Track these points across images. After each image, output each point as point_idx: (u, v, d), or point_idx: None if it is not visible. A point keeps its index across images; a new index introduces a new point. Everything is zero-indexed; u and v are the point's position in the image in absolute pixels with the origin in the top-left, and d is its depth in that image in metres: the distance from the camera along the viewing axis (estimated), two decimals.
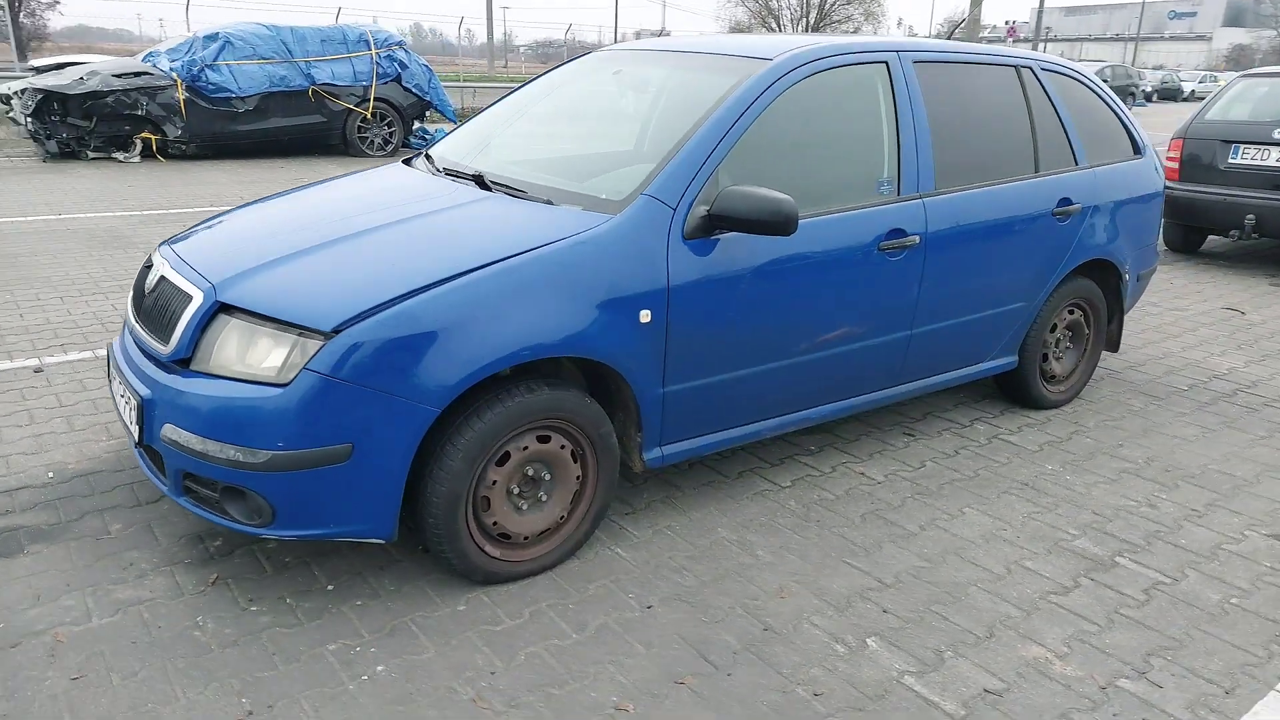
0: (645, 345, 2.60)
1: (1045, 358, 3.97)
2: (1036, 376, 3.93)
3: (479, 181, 2.97)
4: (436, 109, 12.77)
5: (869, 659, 2.32)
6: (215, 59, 10.82)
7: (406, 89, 12.33)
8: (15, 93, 11.23)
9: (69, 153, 10.66)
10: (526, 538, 2.59)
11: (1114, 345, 4.27)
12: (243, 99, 10.96)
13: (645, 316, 2.58)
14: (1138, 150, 4.12)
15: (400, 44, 12.33)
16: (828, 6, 46.95)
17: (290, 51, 11.31)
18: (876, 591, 2.61)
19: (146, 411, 2.38)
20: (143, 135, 10.70)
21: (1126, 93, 30.72)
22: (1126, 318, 5.55)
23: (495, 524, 2.51)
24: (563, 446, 2.58)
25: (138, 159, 10.77)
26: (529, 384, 2.46)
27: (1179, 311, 5.78)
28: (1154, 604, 2.60)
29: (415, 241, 2.52)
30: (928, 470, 3.40)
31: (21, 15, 34.63)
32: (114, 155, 10.73)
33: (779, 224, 2.58)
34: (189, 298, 2.42)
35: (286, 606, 2.43)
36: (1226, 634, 2.47)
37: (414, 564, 2.65)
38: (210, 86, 10.74)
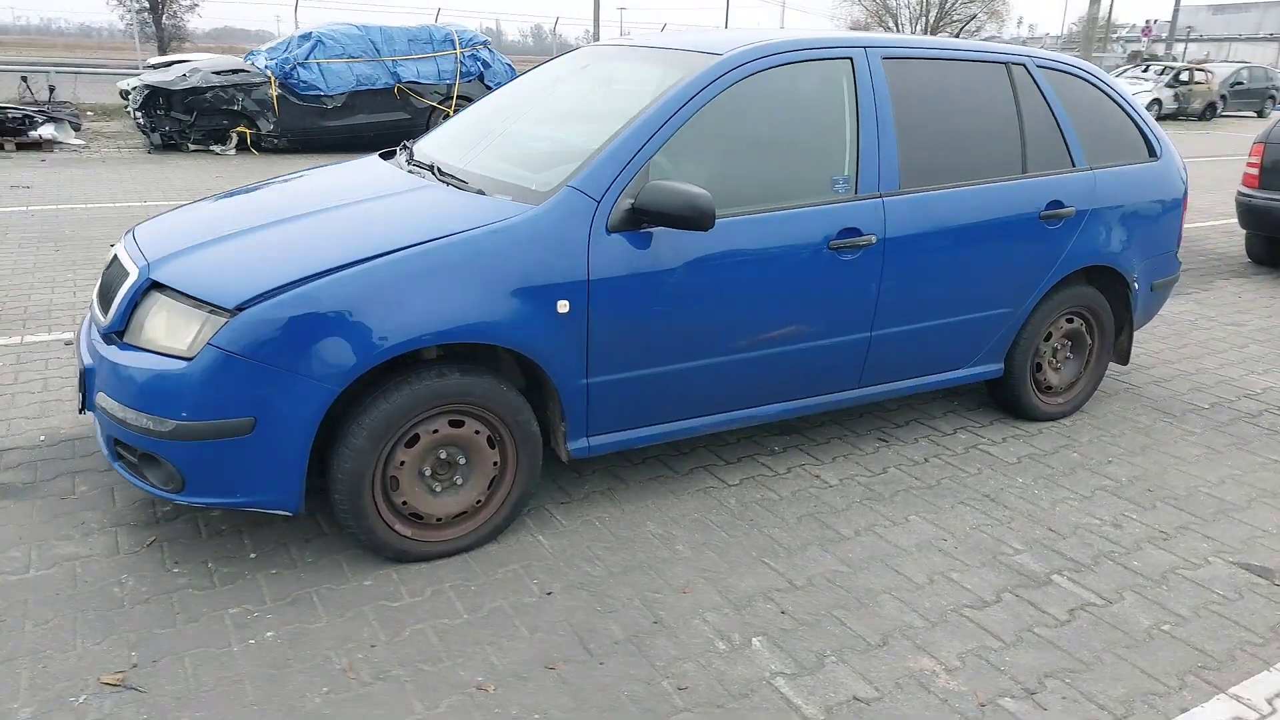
0: (564, 335, 2.64)
1: (1039, 367, 3.81)
2: (1028, 386, 3.77)
3: (436, 172, 3.07)
4: None
5: (747, 658, 2.30)
6: (306, 58, 11.36)
7: (488, 87, 12.63)
8: (131, 89, 12.05)
9: (171, 145, 11.38)
10: (440, 519, 2.66)
11: (1123, 358, 4.06)
12: (331, 96, 11.46)
13: (563, 307, 2.61)
14: (1154, 153, 3.90)
15: (485, 43, 12.66)
16: (948, 6, 45.62)
17: (378, 51, 11.77)
18: (783, 593, 2.58)
19: (86, 380, 2.57)
20: (238, 129, 11.32)
21: (1265, 96, 28.73)
22: (1163, 330, 5.26)
23: (405, 504, 2.60)
24: (477, 432, 2.64)
25: (233, 151, 11.41)
26: (440, 368, 2.53)
27: (1235, 327, 5.42)
28: (1074, 625, 2.48)
29: (337, 228, 2.63)
30: (888, 476, 3.32)
31: (164, 18, 37.06)
32: (211, 148, 11.40)
33: (695, 219, 2.58)
34: (127, 275, 2.60)
35: (206, 570, 2.58)
36: (1143, 661, 2.34)
37: (339, 538, 2.76)
38: (301, 84, 11.28)
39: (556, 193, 2.67)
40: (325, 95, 11.42)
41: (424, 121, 12.26)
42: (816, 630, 2.42)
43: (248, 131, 11.36)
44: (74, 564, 2.58)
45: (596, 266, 2.65)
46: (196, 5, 38.00)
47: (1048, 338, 3.78)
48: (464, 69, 12.40)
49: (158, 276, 2.51)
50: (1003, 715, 2.13)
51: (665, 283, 2.76)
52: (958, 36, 42.38)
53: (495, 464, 2.71)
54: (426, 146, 3.49)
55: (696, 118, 2.86)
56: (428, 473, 2.62)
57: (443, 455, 2.63)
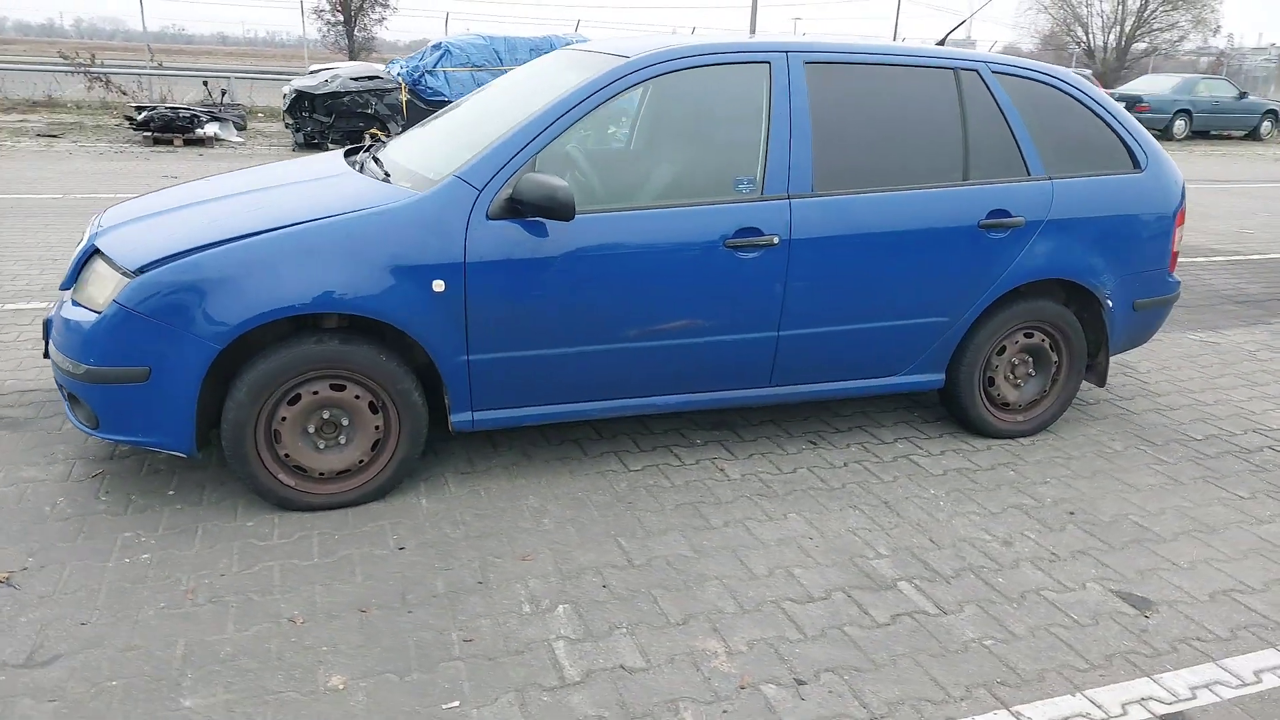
0: (441, 313, 2.85)
1: (991, 381, 3.69)
2: (977, 400, 3.66)
3: (373, 163, 3.36)
4: None
5: (543, 621, 2.43)
6: (434, 66, 12.14)
7: None
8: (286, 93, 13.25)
9: (314, 143, 12.42)
10: (323, 474, 2.94)
11: (1100, 379, 3.85)
12: (453, 101, 12.18)
13: (439, 286, 2.83)
14: (1138, 164, 3.70)
15: None
16: (1147, 14, 42.57)
17: (500, 59, 12.41)
18: (617, 569, 2.69)
19: (46, 329, 3.00)
20: (371, 131, 12.23)
21: None
22: (1209, 359, 4.90)
23: (288, 456, 2.88)
24: (358, 397, 2.90)
25: None
26: (320, 335, 2.81)
27: None
28: (890, 629, 2.46)
29: (248, 208, 2.95)
30: (794, 476, 3.33)
31: (355, 30, 40.06)
32: None
33: (556, 209, 2.74)
34: (81, 242, 3.02)
35: (126, 500, 2.96)
36: (939, 669, 2.30)
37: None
38: (427, 90, 12.06)
39: (442, 181, 2.89)
40: (448, 101, 12.14)
41: None
42: (626, 605, 2.52)
43: (380, 134, 12.23)
44: (28, 485, 3.02)
45: (474, 250, 2.85)
46: (383, 20, 40.77)
47: (1001, 351, 3.65)
48: None
49: (98, 244, 2.91)
50: (756, 699, 2.17)
51: (546, 270, 2.92)
52: (1153, 48, 39.71)
53: (377, 428, 2.95)
54: (392, 143, 3.79)
55: (593, 117, 3.01)
56: (311, 430, 2.90)
57: (326, 415, 2.90)
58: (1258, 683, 2.30)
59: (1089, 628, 2.51)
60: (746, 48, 3.22)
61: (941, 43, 4.03)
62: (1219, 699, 2.24)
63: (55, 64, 15.74)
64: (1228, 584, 2.75)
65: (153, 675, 2.16)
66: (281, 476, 2.90)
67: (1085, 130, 3.64)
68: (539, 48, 12.74)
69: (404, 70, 12.17)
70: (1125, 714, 2.17)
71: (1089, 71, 19.82)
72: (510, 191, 2.86)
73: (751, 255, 3.12)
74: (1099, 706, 2.19)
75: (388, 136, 12.14)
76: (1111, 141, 3.67)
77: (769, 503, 3.13)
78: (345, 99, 11.95)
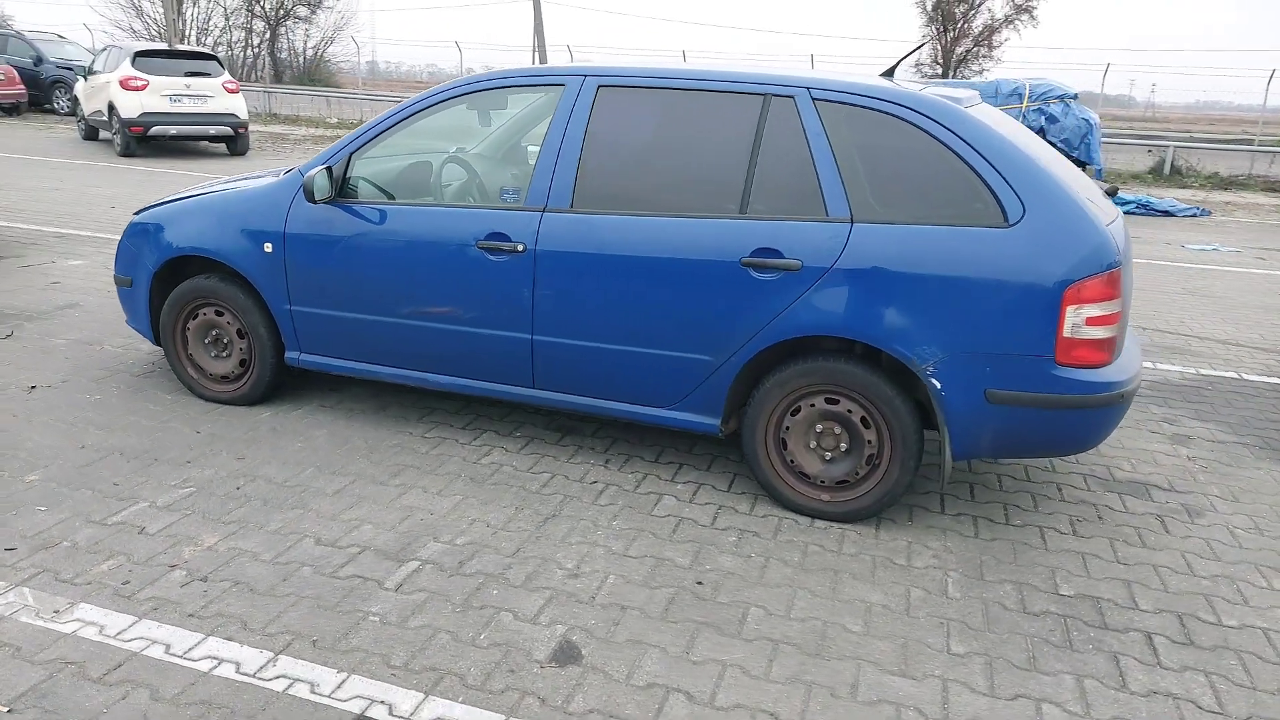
0: (270, 269, 3.78)
1: (784, 444, 3.27)
2: (762, 461, 3.29)
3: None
4: (1085, 164, 11.92)
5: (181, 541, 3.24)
6: None
7: (1050, 143, 11.87)
8: None
9: None
10: (225, 376, 4.06)
11: (943, 479, 3.12)
12: None
13: (268, 248, 3.76)
14: (1006, 217, 2.93)
15: (1061, 97, 11.88)
16: None
17: None
18: (246, 479, 3.34)
19: None
20: None
21: None
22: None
23: (191, 357, 4.08)
24: (228, 323, 3.97)
25: None
26: (204, 274, 3.95)
27: None
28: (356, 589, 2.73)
29: (210, 190, 4.16)
30: (537, 475, 3.49)
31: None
32: None
33: (308, 195, 3.48)
34: None
35: (114, 389, 4.45)
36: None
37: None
38: None
39: (291, 172, 3.80)
40: None
41: None
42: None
43: None
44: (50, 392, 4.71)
45: (291, 224, 3.71)
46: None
47: (796, 411, 3.23)
48: (1024, 124, 11.87)
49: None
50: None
51: (336, 246, 3.64)
52: None
53: (241, 349, 3.99)
54: None
55: (405, 127, 3.62)
56: (207, 341, 4.05)
57: (214, 334, 4.02)
58: None
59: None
60: (549, 72, 3.48)
61: (890, 71, 3.59)
62: None
63: None
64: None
65: None
66: (194, 376, 4.11)
67: (933, 171, 3.02)
68: (981, 92, 12.12)
69: None
70: None
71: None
72: None
73: (501, 259, 3.41)
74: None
75: None
76: (971, 186, 2.97)
77: (458, 484, 3.40)
78: None
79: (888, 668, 2.45)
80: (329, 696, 2.23)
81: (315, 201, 3.54)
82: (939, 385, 2.99)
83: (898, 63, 3.62)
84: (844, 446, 3.21)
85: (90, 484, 3.26)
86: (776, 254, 3.09)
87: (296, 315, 3.81)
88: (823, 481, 3.25)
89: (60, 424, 3.77)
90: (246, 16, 39.67)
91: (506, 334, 3.48)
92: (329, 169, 3.57)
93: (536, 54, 28.32)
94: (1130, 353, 3.23)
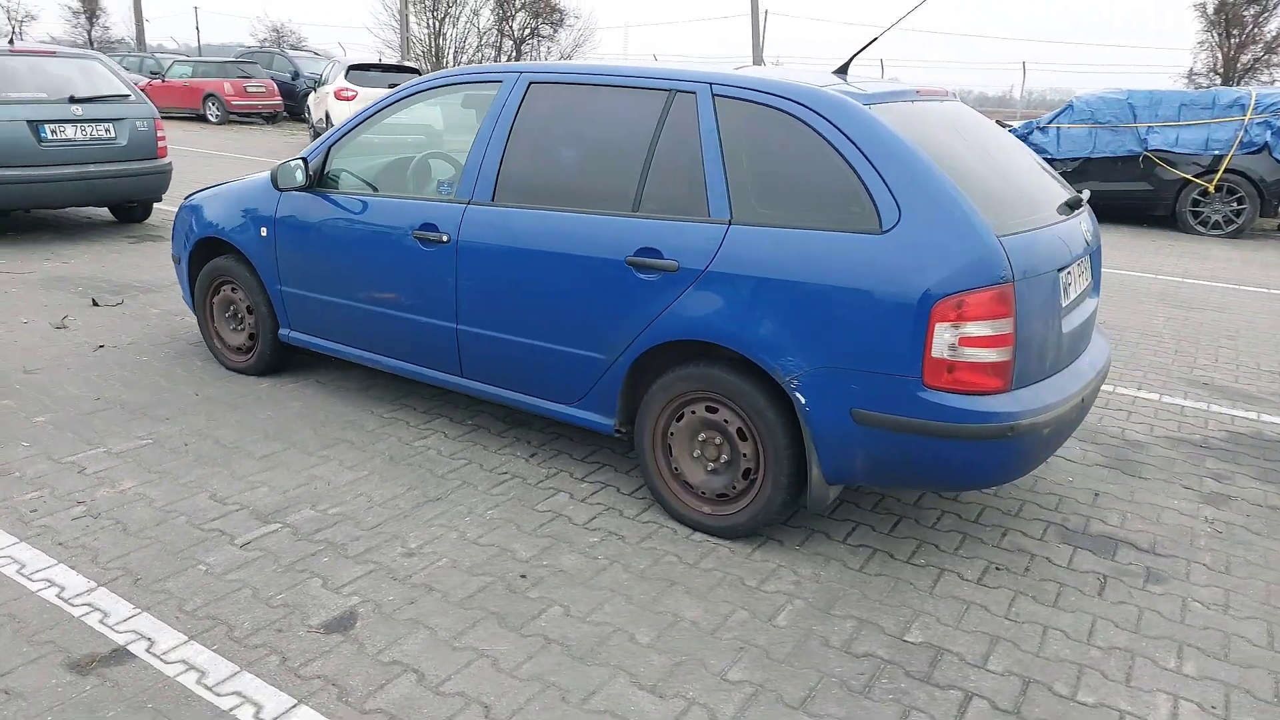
0: (266, 251, 4.15)
1: (670, 451, 3.16)
2: (649, 465, 3.20)
3: None
4: None
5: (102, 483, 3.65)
6: (1049, 122, 11.46)
7: (1276, 161, 10.39)
8: None
9: None
10: (239, 348, 4.51)
11: (813, 503, 2.89)
12: (1059, 160, 11.32)
13: (264, 232, 4.14)
14: (881, 223, 2.68)
15: None
16: None
17: (1134, 116, 10.98)
18: (198, 436, 3.67)
19: None
20: None
21: None
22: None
23: (216, 330, 4.55)
24: (241, 300, 4.40)
25: None
26: (224, 256, 4.39)
27: None
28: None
29: (239, 179, 4.63)
30: (453, 461, 3.60)
31: None
32: None
33: (272, 180, 3.81)
34: None
35: (162, 354, 5.00)
36: None
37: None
38: (1032, 147, 11.45)
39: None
40: (1054, 159, 11.34)
41: (1170, 196, 10.91)
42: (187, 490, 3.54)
43: None
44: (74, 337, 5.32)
45: (279, 211, 4.06)
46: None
47: (680, 417, 3.12)
48: (1245, 138, 10.45)
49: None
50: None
51: (308, 231, 3.94)
52: None
53: (250, 324, 4.39)
54: None
55: (372, 124, 3.87)
56: (227, 315, 4.50)
57: (231, 309, 4.46)
58: None
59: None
60: (489, 71, 3.59)
61: (845, 67, 3.39)
62: None
63: None
64: None
65: None
66: (217, 344, 4.59)
67: (815, 171, 2.82)
68: (1195, 103, 10.77)
69: (1017, 128, 11.74)
70: None
71: None
72: None
73: (431, 249, 3.56)
74: None
75: None
76: (851, 189, 2.75)
77: (388, 464, 3.57)
78: None
79: (642, 682, 2.34)
80: (110, 626, 2.46)
81: (279, 189, 3.87)
82: (804, 400, 2.79)
83: (851, 58, 3.39)
84: (725, 458, 3.07)
85: (78, 429, 3.74)
86: (657, 254, 3.01)
87: (285, 295, 4.16)
88: (704, 493, 3.12)
89: (94, 378, 4.34)
90: (497, 36, 42.78)
91: (437, 322, 3.61)
92: (304, 160, 3.88)
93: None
94: (1055, 385, 2.84)
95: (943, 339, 2.60)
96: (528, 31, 43.06)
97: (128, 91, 7.58)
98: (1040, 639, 2.61)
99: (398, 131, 3.93)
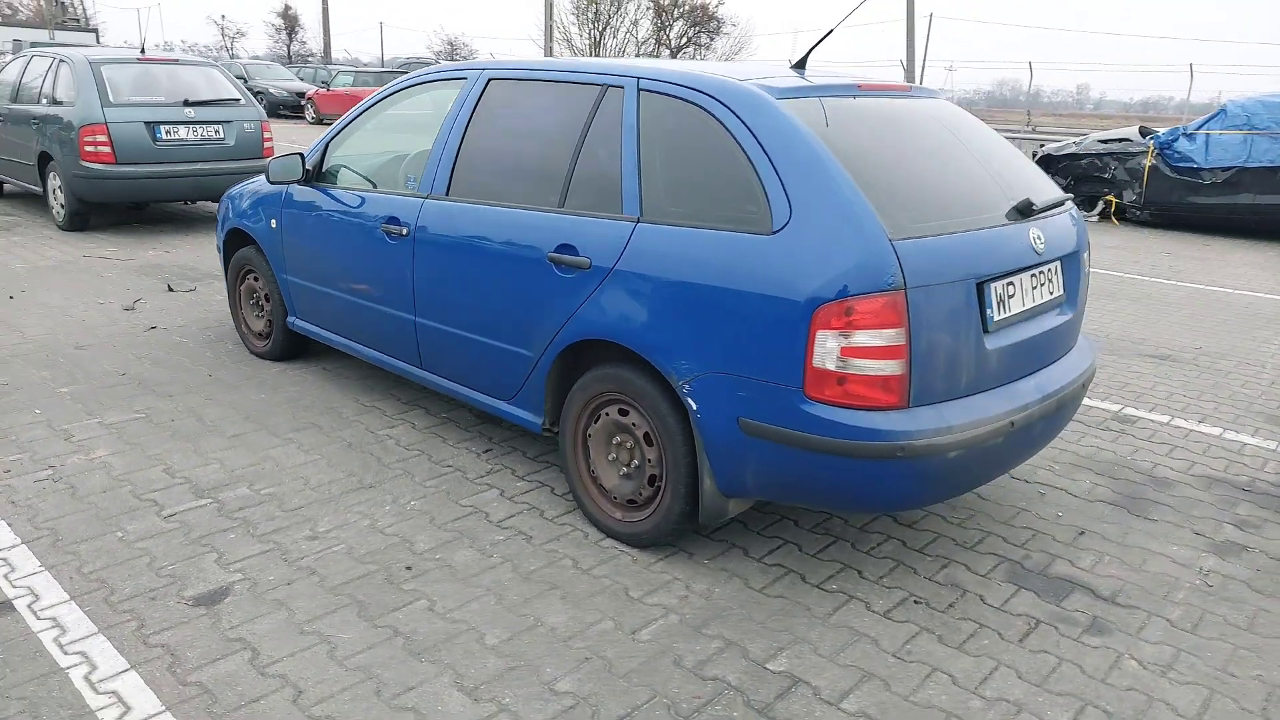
0: (275, 241, 4.37)
1: (588, 453, 3.09)
2: (570, 466, 3.14)
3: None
4: None
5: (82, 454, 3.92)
6: (1198, 128, 10.46)
7: None
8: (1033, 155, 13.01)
9: None
10: (260, 333, 4.77)
11: (707, 514, 2.75)
12: (1208, 170, 10.30)
13: (273, 223, 4.36)
14: (773, 223, 2.52)
15: None
16: None
17: None
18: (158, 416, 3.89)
19: None
20: (1106, 197, 11.31)
21: None
22: None
23: (243, 316, 4.82)
24: (261, 288, 4.64)
25: (1095, 219, 11.47)
26: (250, 246, 4.65)
27: None
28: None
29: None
30: (430, 455, 3.66)
31: None
32: (1083, 212, 11.67)
33: (265, 173, 4.00)
34: None
35: (203, 337, 5.32)
36: None
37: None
38: (1175, 155, 10.50)
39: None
40: (1201, 169, 10.32)
41: None
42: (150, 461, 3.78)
43: (1114, 200, 11.22)
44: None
45: (286, 201, 4.26)
46: None
47: (596, 419, 3.04)
48: None
49: None
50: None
51: (304, 221, 4.12)
52: None
53: (268, 310, 4.63)
54: None
55: (363, 119, 4.00)
56: (251, 302, 4.76)
57: (255, 297, 4.72)
58: None
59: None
60: (456, 69, 3.63)
61: (801, 63, 3.22)
62: None
63: None
64: None
65: None
66: (244, 329, 4.86)
67: (721, 167, 2.69)
68: None
69: (1161, 134, 10.74)
70: None
71: None
72: None
73: (395, 242, 3.64)
74: None
75: (1121, 204, 11.03)
76: (749, 186, 2.60)
77: (350, 453, 3.67)
78: (1083, 161, 11.32)
79: (464, 684, 2.29)
80: (10, 581, 2.64)
81: (270, 183, 4.05)
82: (694, 405, 2.66)
83: (809, 52, 3.21)
84: (636, 463, 2.97)
85: (89, 401, 4.05)
86: (574, 250, 2.96)
87: (289, 283, 4.35)
88: (616, 498, 3.03)
89: (129, 355, 4.69)
90: (654, 46, 43.33)
91: (399, 313, 3.69)
92: (300, 155, 4.05)
93: (904, 71, 27.48)
94: (971, 405, 2.58)
95: (825, 347, 2.41)
96: (685, 40, 43.50)
97: (238, 96, 8.17)
98: (920, 682, 2.37)
99: (388, 127, 4.03)
